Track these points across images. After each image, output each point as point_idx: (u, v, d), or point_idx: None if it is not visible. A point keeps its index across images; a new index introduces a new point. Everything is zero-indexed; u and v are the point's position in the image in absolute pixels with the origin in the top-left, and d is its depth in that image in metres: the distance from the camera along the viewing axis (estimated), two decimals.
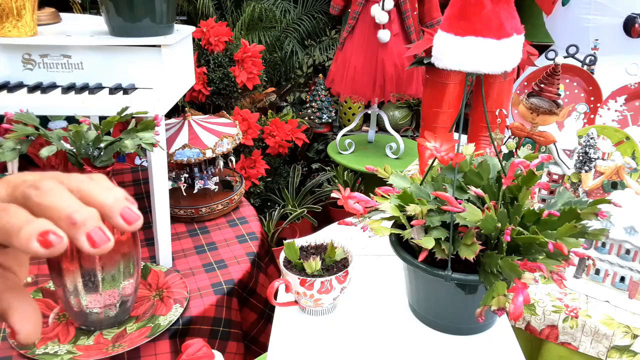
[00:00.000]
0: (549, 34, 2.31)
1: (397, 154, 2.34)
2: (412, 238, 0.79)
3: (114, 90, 1.29)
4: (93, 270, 1.10)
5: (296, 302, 0.91)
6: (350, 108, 2.80)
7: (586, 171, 1.24)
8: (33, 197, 0.34)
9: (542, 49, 2.03)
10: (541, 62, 1.90)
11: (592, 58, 1.88)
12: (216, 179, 1.76)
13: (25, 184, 0.35)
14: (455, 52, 0.76)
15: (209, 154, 1.65)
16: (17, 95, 1.26)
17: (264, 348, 1.50)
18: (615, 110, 1.79)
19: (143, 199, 1.79)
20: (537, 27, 2.36)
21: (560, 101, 1.23)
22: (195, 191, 1.73)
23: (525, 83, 1.99)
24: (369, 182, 2.59)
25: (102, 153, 1.17)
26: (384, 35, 2.08)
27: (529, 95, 1.25)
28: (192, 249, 1.58)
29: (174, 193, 1.69)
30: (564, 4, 2.19)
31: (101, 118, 1.23)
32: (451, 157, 0.75)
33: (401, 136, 2.38)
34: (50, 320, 1.23)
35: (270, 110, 2.47)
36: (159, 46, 1.30)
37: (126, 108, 1.16)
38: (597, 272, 1.12)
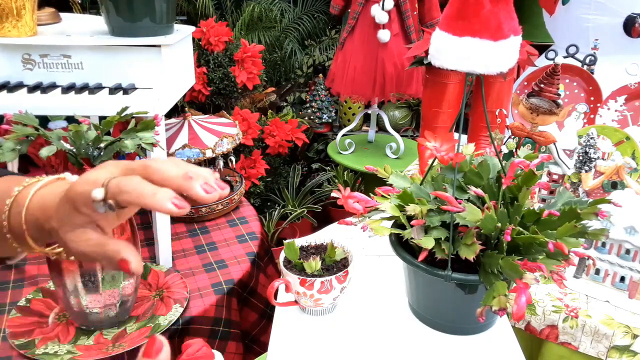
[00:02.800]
0: (549, 34, 2.31)
1: (397, 154, 2.34)
2: (412, 238, 0.79)
3: (113, 90, 1.29)
4: (93, 270, 1.10)
5: (296, 302, 0.91)
6: (350, 108, 2.80)
7: (586, 171, 1.24)
8: (151, 172, 0.46)
9: (542, 49, 2.03)
10: (541, 62, 1.90)
11: (592, 58, 1.88)
12: None
13: (137, 164, 0.47)
14: (451, 51, 0.76)
15: (209, 154, 1.65)
16: (17, 95, 1.26)
17: (264, 348, 1.50)
18: (615, 110, 1.79)
19: None
20: (537, 27, 2.36)
21: (560, 101, 1.23)
22: None
23: (525, 83, 1.99)
24: (369, 182, 2.59)
25: (102, 153, 1.17)
26: (384, 35, 2.08)
27: (529, 95, 1.25)
28: (192, 249, 1.58)
29: None
30: (564, 4, 2.19)
31: (101, 118, 1.23)
32: (451, 157, 0.75)
33: (401, 136, 2.38)
34: (50, 320, 1.23)
35: (270, 110, 2.47)
36: (159, 46, 1.30)
37: (126, 108, 1.16)
38: (597, 272, 1.12)
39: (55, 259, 1.09)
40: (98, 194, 0.45)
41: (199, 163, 1.71)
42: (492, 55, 0.74)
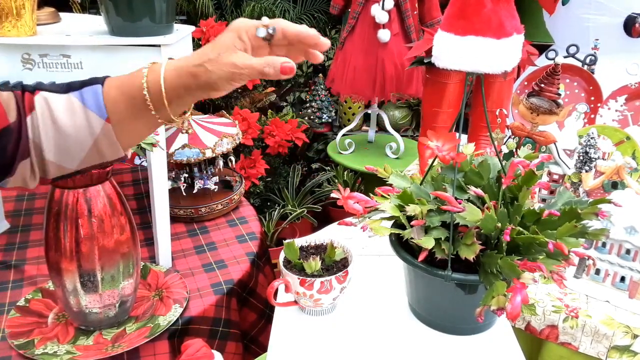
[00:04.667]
0: (549, 33, 2.31)
1: (397, 153, 2.34)
2: (412, 238, 0.78)
3: None
4: (92, 270, 1.10)
5: (296, 302, 0.91)
6: (350, 108, 2.80)
7: (586, 171, 1.24)
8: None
9: (542, 48, 2.03)
10: (541, 62, 1.90)
11: (592, 58, 1.88)
12: (216, 178, 1.76)
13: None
14: (455, 51, 0.76)
15: (209, 154, 1.65)
16: None
17: (263, 348, 1.50)
18: (616, 110, 1.78)
19: (143, 199, 1.79)
20: (537, 27, 2.36)
21: (560, 101, 1.23)
22: (195, 191, 1.73)
23: (525, 83, 1.98)
24: (369, 182, 2.59)
25: None
26: (384, 35, 2.07)
27: (529, 95, 1.24)
28: (191, 249, 1.58)
29: (173, 193, 1.69)
30: (564, 4, 2.19)
31: None
32: (453, 156, 0.75)
33: (401, 136, 2.37)
34: (50, 320, 1.23)
35: (270, 110, 2.47)
36: (159, 46, 1.29)
37: None
38: (597, 272, 1.12)
39: (55, 258, 1.09)
40: (265, 19, 0.65)
41: (199, 163, 1.71)
42: (496, 53, 0.74)
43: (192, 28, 1.54)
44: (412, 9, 2.13)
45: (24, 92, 0.69)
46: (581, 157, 1.24)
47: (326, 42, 0.66)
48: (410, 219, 0.79)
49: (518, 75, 1.95)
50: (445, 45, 0.77)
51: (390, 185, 0.86)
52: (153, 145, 1.18)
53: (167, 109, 0.66)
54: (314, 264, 0.87)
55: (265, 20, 0.65)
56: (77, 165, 0.70)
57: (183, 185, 1.69)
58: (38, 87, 0.70)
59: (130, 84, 0.67)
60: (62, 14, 1.61)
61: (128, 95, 0.67)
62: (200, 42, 2.16)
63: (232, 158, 1.82)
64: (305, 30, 0.65)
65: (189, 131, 0.71)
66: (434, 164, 0.86)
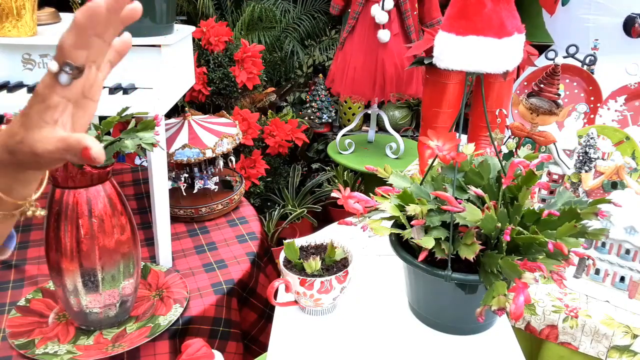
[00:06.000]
0: (549, 34, 2.31)
1: (397, 154, 2.34)
2: (412, 238, 0.79)
3: (113, 90, 1.29)
4: (93, 270, 1.10)
5: (296, 302, 0.91)
6: (350, 108, 2.80)
7: (586, 171, 1.24)
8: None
9: (542, 49, 2.03)
10: (541, 62, 1.90)
11: (592, 58, 1.88)
12: (216, 179, 1.76)
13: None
14: (456, 51, 0.76)
15: (209, 154, 1.65)
16: (17, 95, 1.26)
17: (263, 348, 1.50)
18: (615, 110, 1.79)
19: (143, 199, 1.79)
20: (537, 27, 2.36)
21: (560, 101, 1.23)
22: (195, 191, 1.73)
23: (525, 83, 1.99)
24: (369, 182, 2.59)
25: None
26: (384, 35, 2.07)
27: (529, 95, 1.25)
28: (192, 249, 1.58)
29: (174, 193, 1.69)
30: (563, 4, 2.19)
31: (101, 118, 1.23)
32: (453, 156, 0.75)
33: (401, 136, 2.38)
34: (50, 320, 1.23)
35: (270, 110, 2.47)
36: (159, 46, 1.29)
37: (126, 108, 1.16)
38: (597, 272, 1.12)
39: (55, 258, 1.09)
40: (53, 65, 0.48)
41: (199, 163, 1.71)
42: (497, 53, 0.74)
43: (192, 28, 1.54)
44: (412, 9, 2.13)
45: None
46: (581, 157, 1.24)
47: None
48: (410, 219, 0.79)
49: (518, 76, 1.95)
50: (447, 45, 0.77)
51: (390, 185, 0.86)
52: (153, 145, 1.18)
53: (2, 197, 0.53)
54: (314, 263, 0.87)
55: (52, 64, 0.48)
56: None
57: (183, 185, 1.69)
58: None
59: None
60: (62, 14, 1.61)
61: None
62: (200, 42, 2.16)
63: (232, 158, 1.82)
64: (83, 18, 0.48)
65: (41, 214, 0.58)
66: (434, 164, 0.86)
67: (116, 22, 0.51)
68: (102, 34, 0.50)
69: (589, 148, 1.23)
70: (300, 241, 0.95)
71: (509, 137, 1.34)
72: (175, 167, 1.74)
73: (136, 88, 1.32)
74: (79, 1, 2.28)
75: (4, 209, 0.55)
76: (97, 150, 0.48)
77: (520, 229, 0.74)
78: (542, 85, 1.22)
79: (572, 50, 1.84)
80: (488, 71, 0.75)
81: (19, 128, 0.50)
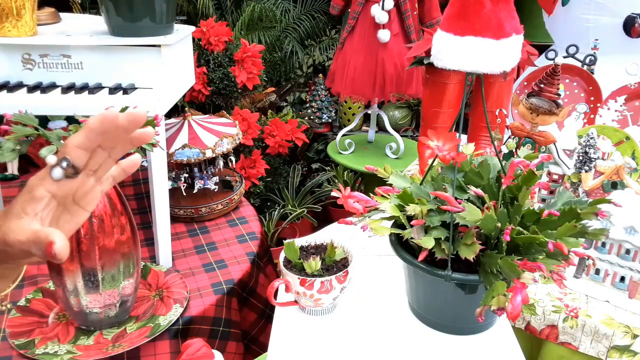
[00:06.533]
0: (549, 34, 2.31)
1: (397, 154, 2.34)
2: (412, 238, 0.79)
3: (113, 90, 1.29)
4: (93, 270, 1.10)
5: (296, 302, 0.91)
6: (350, 108, 2.80)
7: (586, 171, 1.24)
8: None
9: (542, 49, 2.03)
10: (541, 62, 1.90)
11: (592, 58, 1.88)
12: (216, 179, 1.76)
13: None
14: (454, 51, 0.76)
15: (209, 154, 1.65)
16: (17, 95, 1.26)
17: (263, 348, 1.50)
18: (615, 110, 1.78)
19: (143, 199, 1.79)
20: (537, 27, 2.36)
21: (560, 101, 1.23)
22: (195, 191, 1.73)
23: (525, 83, 1.98)
24: (369, 182, 2.59)
25: None
26: (384, 35, 2.07)
27: (529, 95, 1.25)
28: (192, 249, 1.58)
29: (174, 193, 1.69)
30: (563, 4, 2.19)
31: None
32: (453, 156, 0.75)
33: (401, 136, 2.38)
34: (50, 320, 1.23)
35: (270, 110, 2.47)
36: (159, 46, 1.29)
37: (126, 108, 1.16)
38: (597, 272, 1.12)
39: None
40: (50, 159, 0.48)
41: (199, 163, 1.71)
42: (495, 53, 0.74)
43: (192, 28, 1.54)
44: (412, 9, 2.13)
45: None
46: (581, 157, 1.24)
47: (113, 116, 0.48)
48: (410, 218, 0.79)
49: (518, 76, 1.95)
50: (445, 45, 0.77)
51: (390, 185, 0.86)
52: (153, 145, 1.18)
53: None
54: (314, 263, 0.87)
55: (50, 159, 0.48)
56: None
57: (183, 185, 1.69)
58: None
59: None
60: (62, 14, 1.61)
61: None
62: (200, 42, 2.16)
63: (232, 158, 1.82)
64: (93, 125, 0.48)
65: (8, 307, 0.57)
66: (434, 164, 0.86)
67: (125, 141, 0.51)
68: (109, 147, 0.50)
69: (589, 148, 1.23)
70: (300, 241, 0.95)
71: (509, 137, 1.34)
72: (175, 167, 1.74)
73: (136, 88, 1.32)
74: (79, 1, 2.27)
75: None
76: (61, 246, 0.46)
77: (520, 229, 0.74)
78: (542, 85, 1.22)
79: (572, 50, 1.84)
80: (485, 71, 0.75)
81: (1, 217, 0.50)
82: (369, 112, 2.48)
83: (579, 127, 1.59)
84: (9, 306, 0.56)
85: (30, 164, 1.94)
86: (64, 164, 0.48)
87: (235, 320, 1.41)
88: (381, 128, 2.58)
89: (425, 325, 0.88)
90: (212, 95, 2.21)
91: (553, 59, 1.65)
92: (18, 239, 0.48)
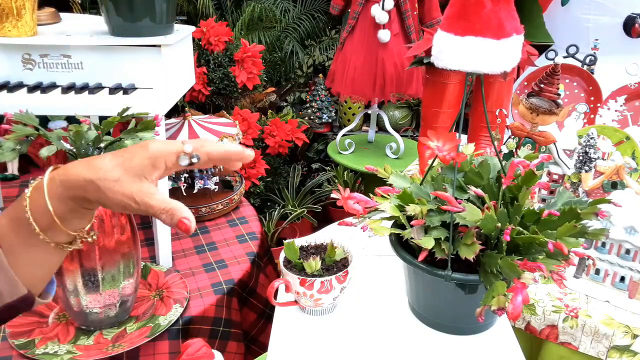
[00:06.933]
0: (549, 34, 2.31)
1: (397, 154, 2.34)
2: (412, 238, 0.79)
3: (113, 90, 1.29)
4: (93, 270, 1.10)
5: (296, 302, 0.91)
6: (350, 108, 2.80)
7: (586, 171, 1.24)
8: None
9: (542, 49, 2.03)
10: (541, 62, 1.90)
11: (592, 58, 1.88)
12: (216, 178, 1.76)
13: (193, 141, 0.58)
14: (454, 51, 0.76)
15: None
16: (17, 95, 1.26)
17: (264, 348, 1.50)
18: (615, 110, 1.79)
19: None
20: (537, 27, 2.36)
21: (560, 101, 1.23)
22: (195, 191, 1.73)
23: (525, 83, 1.99)
24: (369, 182, 2.59)
25: (102, 153, 1.17)
26: (384, 35, 2.08)
27: (529, 95, 1.25)
28: (192, 249, 1.58)
29: (174, 193, 1.69)
30: (563, 4, 2.19)
31: (101, 118, 1.23)
32: (453, 156, 0.75)
33: (401, 136, 2.38)
34: (50, 320, 1.23)
35: (270, 110, 2.47)
36: (159, 46, 1.29)
37: (127, 109, 1.16)
38: (597, 272, 1.12)
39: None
40: (188, 147, 0.55)
41: None
42: (495, 54, 0.74)
43: (193, 28, 1.54)
44: (412, 9, 2.13)
45: None
46: (581, 157, 1.24)
47: (251, 155, 0.58)
48: (410, 219, 0.79)
49: (518, 76, 1.95)
50: (445, 45, 0.77)
51: (390, 185, 0.86)
52: None
53: (59, 225, 0.56)
54: (314, 263, 0.87)
55: (187, 146, 0.55)
56: None
57: (183, 185, 1.69)
58: None
59: (17, 205, 0.57)
60: (62, 14, 1.61)
61: (14, 219, 0.57)
62: (200, 42, 2.16)
63: None
64: (232, 151, 0.57)
65: (94, 238, 0.60)
66: (434, 164, 0.86)
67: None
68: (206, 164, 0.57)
69: (589, 148, 1.23)
70: (300, 241, 0.95)
71: (509, 137, 1.34)
72: None
73: (136, 88, 1.32)
74: (79, 1, 2.27)
75: (57, 239, 0.57)
76: (192, 223, 0.54)
77: (520, 229, 0.74)
78: (542, 85, 1.22)
79: (572, 50, 1.84)
80: (486, 72, 0.75)
81: (111, 170, 0.53)
82: (369, 112, 2.48)
83: (579, 127, 1.59)
84: (94, 237, 0.59)
85: (30, 163, 1.95)
86: (195, 159, 0.55)
87: (236, 320, 1.41)
88: (381, 128, 2.58)
89: (425, 325, 0.88)
90: (212, 95, 2.21)
91: (553, 59, 1.65)
92: (147, 201, 0.53)
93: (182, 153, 0.55)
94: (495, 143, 0.86)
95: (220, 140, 1.68)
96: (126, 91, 1.29)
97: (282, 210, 2.32)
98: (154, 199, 0.54)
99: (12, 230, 0.56)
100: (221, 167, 1.75)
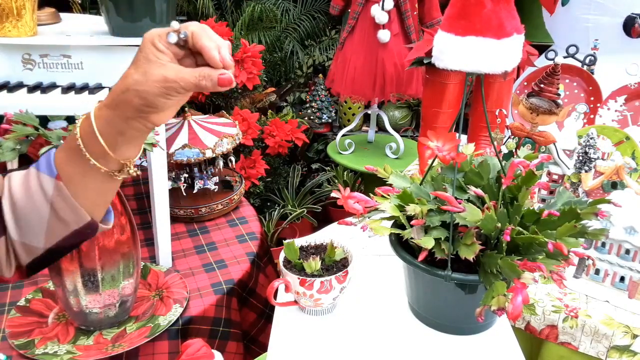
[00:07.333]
0: (549, 34, 2.31)
1: (397, 154, 2.34)
2: (412, 238, 0.79)
3: None
4: (93, 270, 1.10)
5: (296, 302, 0.91)
6: (350, 108, 2.80)
7: (586, 171, 1.24)
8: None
9: (542, 49, 2.03)
10: (541, 62, 1.90)
11: (592, 58, 1.88)
12: (216, 179, 1.76)
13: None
14: (455, 52, 0.76)
15: (209, 154, 1.65)
16: (17, 95, 1.26)
17: (263, 348, 1.50)
18: (615, 110, 1.79)
19: (143, 199, 1.79)
20: (537, 27, 2.36)
21: (560, 101, 1.23)
22: (195, 191, 1.73)
23: (525, 83, 1.99)
24: (369, 182, 2.59)
25: None
26: (384, 35, 2.07)
27: (529, 95, 1.25)
28: (192, 249, 1.58)
29: (173, 193, 1.69)
30: (563, 4, 2.19)
31: None
32: (453, 156, 0.75)
33: (401, 136, 2.38)
34: (50, 320, 1.23)
35: (270, 110, 2.47)
36: None
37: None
38: (597, 272, 1.12)
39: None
40: (175, 24, 0.59)
41: (199, 163, 1.72)
42: (496, 53, 0.74)
43: None
44: (412, 9, 2.13)
45: (4, 177, 0.67)
46: (581, 158, 1.24)
47: (219, 79, 0.59)
48: (410, 219, 0.79)
49: (518, 76, 1.95)
50: (446, 45, 0.77)
51: (390, 185, 0.86)
52: (153, 145, 1.18)
53: (109, 152, 0.60)
54: (314, 263, 0.87)
55: (174, 24, 0.59)
56: (45, 242, 0.64)
57: (183, 186, 1.69)
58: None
59: (71, 137, 0.62)
60: (62, 14, 1.61)
61: (70, 149, 0.62)
62: None
63: (232, 158, 1.82)
64: (207, 50, 0.58)
65: (138, 173, 0.64)
66: (434, 164, 0.86)
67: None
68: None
69: (588, 148, 1.23)
70: (300, 241, 0.95)
71: (509, 137, 1.34)
72: (175, 167, 1.74)
73: None
74: (79, 1, 2.27)
75: (109, 167, 0.62)
76: (230, 75, 0.58)
77: (520, 229, 0.74)
78: (542, 85, 1.22)
79: (572, 50, 1.84)
80: (487, 71, 0.75)
81: (135, 71, 0.59)
82: (369, 112, 2.48)
83: (579, 127, 1.59)
84: (138, 172, 0.65)
85: (30, 163, 1.95)
86: (182, 35, 0.58)
87: (235, 320, 1.41)
88: (381, 128, 2.58)
89: (425, 325, 0.88)
90: (212, 95, 2.21)
91: (553, 59, 1.65)
92: (181, 76, 0.57)
93: (171, 31, 0.59)
94: (495, 143, 0.86)
95: (220, 140, 1.68)
96: None
97: (282, 210, 2.32)
98: (185, 72, 0.58)
99: (69, 161, 0.62)
100: (220, 168, 1.75)
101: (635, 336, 1.02)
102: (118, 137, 0.60)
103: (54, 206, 0.62)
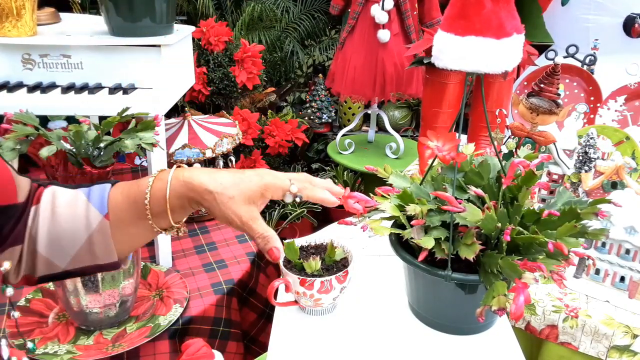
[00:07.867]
0: (549, 34, 2.31)
1: (397, 154, 2.34)
2: (412, 238, 0.78)
3: (113, 90, 1.29)
4: None
5: (296, 302, 0.91)
6: (350, 108, 2.80)
7: (586, 171, 1.24)
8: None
9: (542, 49, 2.03)
10: (541, 62, 1.90)
11: (592, 58, 1.88)
12: None
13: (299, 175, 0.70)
14: (455, 51, 0.76)
15: (209, 154, 1.65)
16: (17, 95, 1.26)
17: (263, 348, 1.50)
18: (615, 110, 1.79)
19: None
20: (537, 27, 2.36)
21: (560, 101, 1.23)
22: None
23: (525, 83, 1.99)
24: (369, 182, 2.59)
25: (102, 153, 1.17)
26: (384, 35, 2.08)
27: (529, 95, 1.25)
28: (192, 249, 1.58)
29: None
30: (563, 4, 2.19)
31: (101, 118, 1.23)
32: (453, 156, 0.75)
33: (401, 136, 2.38)
34: (50, 320, 1.23)
35: (270, 110, 2.47)
36: (159, 46, 1.29)
37: (127, 109, 1.16)
38: (597, 272, 1.12)
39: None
40: (294, 188, 0.66)
41: (199, 163, 1.71)
42: (496, 53, 0.74)
43: (192, 28, 1.54)
44: (411, 9, 2.13)
45: (39, 186, 0.68)
46: (581, 157, 1.24)
47: (336, 202, 0.72)
48: (410, 218, 0.79)
49: (518, 76, 1.95)
50: (445, 45, 0.77)
51: (390, 185, 0.86)
52: (153, 145, 1.18)
53: (168, 217, 0.65)
54: (314, 263, 0.87)
55: (293, 187, 0.65)
56: (67, 264, 0.66)
57: None
58: (53, 183, 0.69)
59: (135, 188, 0.66)
60: (62, 14, 1.61)
61: (131, 199, 0.66)
62: (200, 42, 2.16)
63: (232, 158, 1.82)
64: (327, 200, 0.69)
65: (185, 231, 0.70)
66: (434, 164, 0.86)
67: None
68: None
69: (589, 148, 1.23)
70: (300, 241, 0.95)
71: (509, 137, 1.34)
72: None
73: (136, 88, 1.32)
74: (79, 1, 2.27)
75: (160, 225, 0.66)
76: (281, 253, 0.64)
77: (520, 229, 0.74)
78: (542, 85, 1.22)
79: (572, 50, 1.84)
80: (487, 71, 0.75)
81: (230, 187, 0.63)
82: (369, 112, 2.48)
83: (579, 127, 1.59)
84: (185, 230, 0.70)
85: (30, 163, 1.95)
86: (298, 199, 0.66)
87: (235, 320, 1.41)
88: (381, 128, 2.58)
89: (425, 325, 0.88)
90: (212, 95, 2.21)
91: (553, 59, 1.65)
92: (250, 224, 0.63)
93: (289, 192, 0.65)
94: (495, 143, 0.86)
95: (220, 140, 1.68)
96: (126, 91, 1.29)
97: (282, 210, 2.32)
98: (257, 223, 0.63)
99: (125, 209, 0.65)
100: (220, 168, 1.75)
101: (635, 336, 1.02)
102: (180, 209, 0.65)
103: (92, 239, 0.65)
